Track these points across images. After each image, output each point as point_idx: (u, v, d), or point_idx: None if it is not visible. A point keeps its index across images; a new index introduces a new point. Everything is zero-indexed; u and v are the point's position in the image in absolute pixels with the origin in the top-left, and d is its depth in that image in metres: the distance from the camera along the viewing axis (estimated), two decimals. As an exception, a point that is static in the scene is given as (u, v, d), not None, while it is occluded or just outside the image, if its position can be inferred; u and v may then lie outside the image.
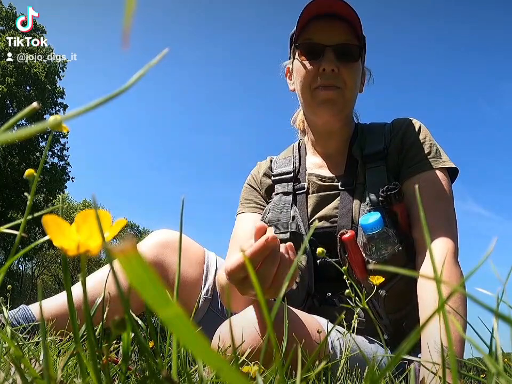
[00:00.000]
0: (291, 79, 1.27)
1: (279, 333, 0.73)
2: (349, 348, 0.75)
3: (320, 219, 1.14)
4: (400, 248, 1.01)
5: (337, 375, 0.65)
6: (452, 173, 1.12)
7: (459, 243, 1.02)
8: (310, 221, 1.15)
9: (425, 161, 1.10)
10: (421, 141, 1.14)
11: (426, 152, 1.11)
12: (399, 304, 1.05)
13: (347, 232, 1.04)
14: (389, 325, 1.06)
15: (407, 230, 1.06)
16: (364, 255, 1.02)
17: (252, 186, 1.29)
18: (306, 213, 1.15)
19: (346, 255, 1.04)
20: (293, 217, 1.15)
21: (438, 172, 1.08)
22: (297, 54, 1.19)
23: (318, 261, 1.09)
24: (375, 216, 1.00)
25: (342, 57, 1.13)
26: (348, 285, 0.69)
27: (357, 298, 0.68)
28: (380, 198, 1.05)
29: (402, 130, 1.17)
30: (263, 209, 1.22)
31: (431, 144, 1.13)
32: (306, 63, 1.15)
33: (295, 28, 1.17)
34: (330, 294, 1.08)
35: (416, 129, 1.16)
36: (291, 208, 1.16)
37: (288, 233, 1.12)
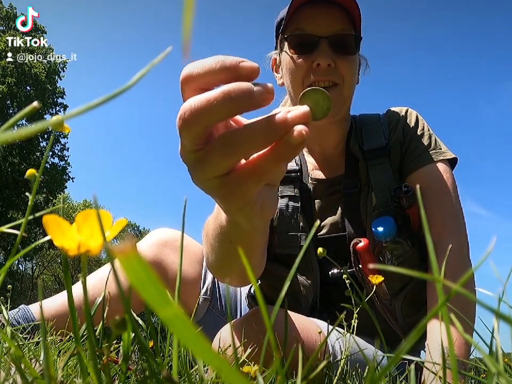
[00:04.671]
0: (278, 72, 1.13)
1: (278, 334, 0.72)
2: (349, 348, 0.74)
3: (327, 226, 1.10)
4: (413, 250, 0.99)
5: (337, 375, 0.65)
6: (451, 162, 1.09)
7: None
8: (320, 233, 1.10)
9: (426, 154, 1.06)
10: (420, 133, 1.10)
11: (426, 144, 1.08)
12: (416, 307, 1.04)
13: (360, 241, 1.00)
14: (405, 327, 1.05)
15: (419, 230, 1.03)
16: (378, 261, 0.99)
17: None
18: (313, 221, 1.08)
19: (360, 266, 1.01)
20: (303, 227, 1.08)
21: (439, 165, 1.05)
22: (286, 46, 1.05)
23: (330, 273, 1.05)
24: (388, 223, 0.97)
25: (339, 49, 1.00)
26: (348, 285, 0.69)
27: (357, 299, 0.68)
28: (394, 204, 1.00)
29: (402, 123, 1.11)
30: None
31: (429, 134, 1.10)
32: (298, 58, 1.01)
33: (285, 15, 1.02)
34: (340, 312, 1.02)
35: (414, 121, 1.12)
36: (299, 216, 1.08)
37: (298, 248, 1.05)
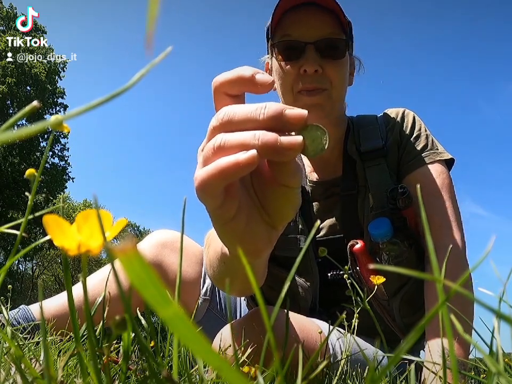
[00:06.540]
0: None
1: (278, 333, 0.72)
2: (349, 348, 0.74)
3: (325, 229, 1.10)
4: (410, 251, 0.99)
5: (337, 375, 0.65)
6: (448, 163, 1.09)
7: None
8: (318, 235, 1.10)
9: (423, 155, 1.07)
10: (417, 134, 1.10)
11: (423, 145, 1.08)
12: (413, 308, 1.04)
13: (357, 243, 1.00)
14: (403, 327, 1.06)
15: (416, 231, 1.03)
16: (375, 263, 0.99)
17: None
18: (312, 223, 1.07)
19: (358, 268, 1.00)
20: (301, 230, 1.08)
21: (436, 165, 1.05)
22: (274, 52, 1.04)
23: (329, 274, 1.05)
24: (385, 224, 0.98)
25: (326, 54, 0.99)
26: (349, 285, 0.69)
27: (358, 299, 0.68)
28: (390, 205, 1.00)
29: (399, 124, 1.11)
30: None
31: (426, 135, 1.10)
32: (286, 64, 1.01)
33: (271, 20, 1.02)
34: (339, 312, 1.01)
35: (411, 121, 1.12)
36: (298, 219, 1.08)
37: (297, 250, 1.05)
